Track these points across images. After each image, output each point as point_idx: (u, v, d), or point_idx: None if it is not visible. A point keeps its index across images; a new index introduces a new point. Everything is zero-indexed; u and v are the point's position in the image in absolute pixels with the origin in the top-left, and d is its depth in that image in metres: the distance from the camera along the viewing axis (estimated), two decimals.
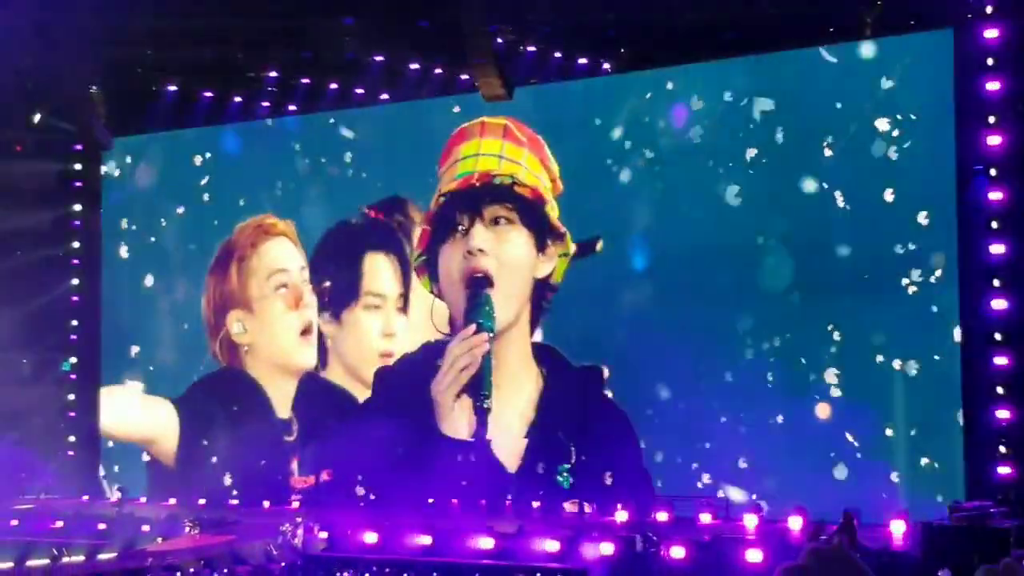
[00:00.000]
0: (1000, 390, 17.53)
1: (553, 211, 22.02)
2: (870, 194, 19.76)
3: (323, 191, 24.81)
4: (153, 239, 26.54)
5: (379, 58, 23.59)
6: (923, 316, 19.31)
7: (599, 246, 21.80)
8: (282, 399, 24.83)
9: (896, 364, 19.45)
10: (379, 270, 23.92)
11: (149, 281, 26.48)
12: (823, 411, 20.03)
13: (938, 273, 19.10)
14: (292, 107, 25.22)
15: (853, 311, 19.91)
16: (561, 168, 22.17)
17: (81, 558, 18.98)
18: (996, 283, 17.89)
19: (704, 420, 20.88)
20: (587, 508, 20.82)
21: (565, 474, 21.65)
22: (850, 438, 19.79)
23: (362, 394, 23.89)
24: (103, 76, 25.59)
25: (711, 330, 20.77)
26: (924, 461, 19.21)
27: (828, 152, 20.01)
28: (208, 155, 25.98)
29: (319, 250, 24.61)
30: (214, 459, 24.79)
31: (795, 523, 18.12)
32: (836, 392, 20.01)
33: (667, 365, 21.15)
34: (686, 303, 21.04)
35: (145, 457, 25.74)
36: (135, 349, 26.49)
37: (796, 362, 20.37)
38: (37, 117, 26.18)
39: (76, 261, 27.11)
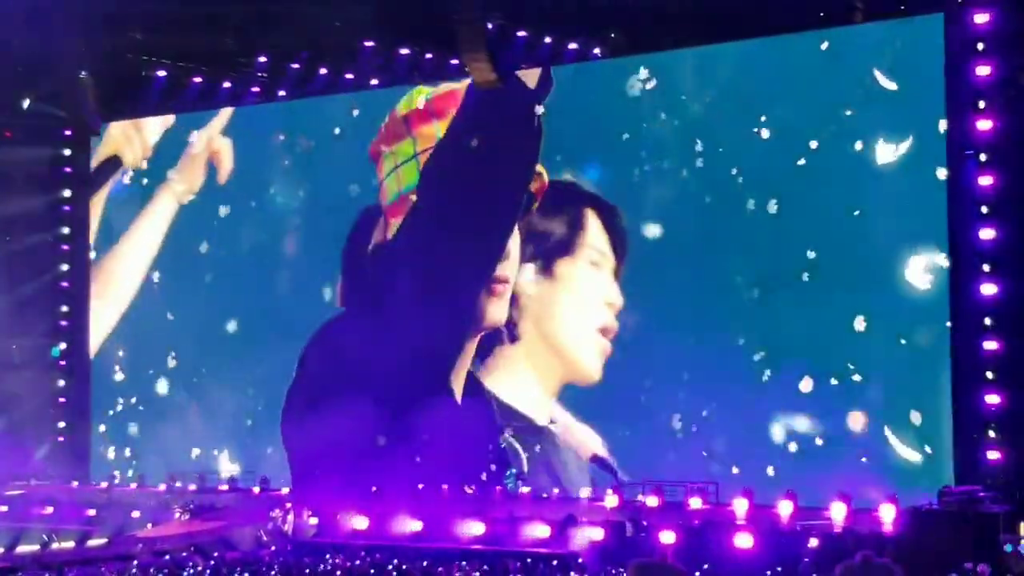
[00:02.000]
0: (990, 375, 17.50)
1: None
2: (861, 178, 19.77)
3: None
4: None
5: (369, 43, 23.50)
6: (914, 302, 19.32)
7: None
8: None
9: (886, 351, 19.47)
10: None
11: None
12: (816, 397, 20.07)
13: (928, 259, 19.12)
14: (281, 92, 25.16)
15: (845, 297, 19.92)
16: (554, 152, 22.19)
17: (71, 543, 18.97)
18: (986, 268, 17.84)
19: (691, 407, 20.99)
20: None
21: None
22: (843, 425, 19.84)
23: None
24: (93, 62, 25.49)
25: (704, 318, 20.76)
26: (914, 446, 19.23)
27: (818, 139, 20.03)
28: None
29: None
30: None
31: (785, 508, 18.12)
32: (830, 379, 20.04)
33: (652, 352, 21.16)
34: (677, 292, 21.03)
35: None
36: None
37: (787, 351, 20.40)
38: (27, 103, 26.10)
39: (66, 247, 27.05)
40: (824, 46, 20.16)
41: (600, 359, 21.59)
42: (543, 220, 22.30)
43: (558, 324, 22.16)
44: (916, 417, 19.27)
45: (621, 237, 21.78)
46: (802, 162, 20.30)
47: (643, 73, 21.86)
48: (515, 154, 22.55)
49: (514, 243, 22.33)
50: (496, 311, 22.33)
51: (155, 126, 26.21)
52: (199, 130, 25.60)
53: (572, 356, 21.92)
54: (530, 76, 22.52)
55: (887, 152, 19.56)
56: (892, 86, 19.43)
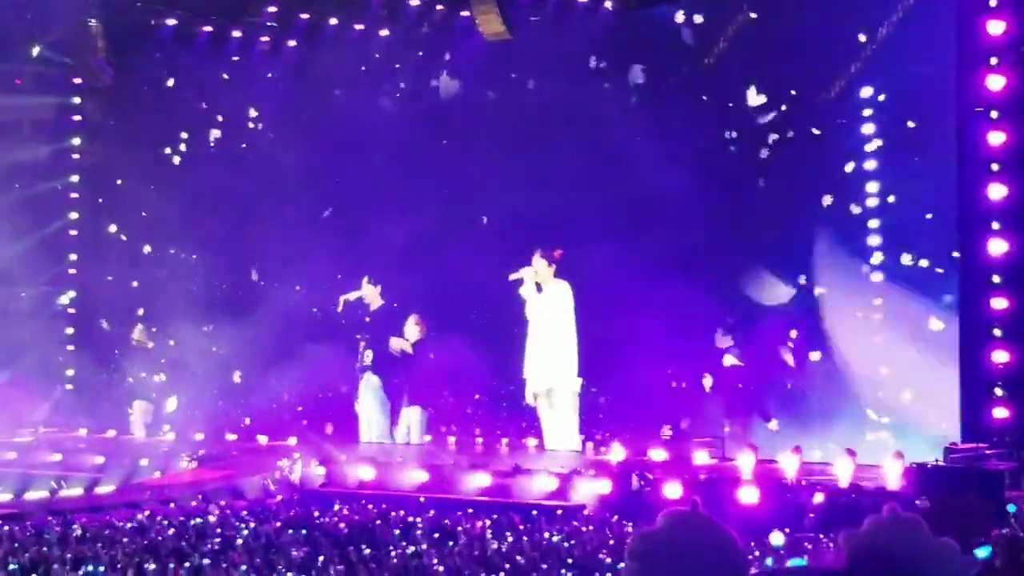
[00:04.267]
0: (997, 332, 17.45)
1: None
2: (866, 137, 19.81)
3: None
4: None
5: None
6: (921, 258, 19.39)
7: None
8: None
9: None
10: None
11: None
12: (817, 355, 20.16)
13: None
14: (291, 43, 25.13)
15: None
16: (563, 106, 22.07)
17: (79, 491, 19.04)
18: (995, 226, 17.72)
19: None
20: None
21: None
22: (846, 381, 19.93)
23: None
24: (102, 9, 25.42)
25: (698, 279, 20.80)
26: (920, 403, 19.29)
27: (828, 93, 20.03)
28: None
29: None
30: None
31: (790, 463, 18.16)
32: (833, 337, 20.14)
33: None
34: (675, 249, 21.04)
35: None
36: (135, 283, 26.53)
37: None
38: (36, 50, 26.03)
39: (75, 195, 27.09)
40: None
41: None
42: None
43: None
44: (921, 374, 19.37)
45: None
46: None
47: None
48: None
49: None
50: None
51: None
52: None
53: None
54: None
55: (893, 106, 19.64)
56: (901, 41, 19.44)
